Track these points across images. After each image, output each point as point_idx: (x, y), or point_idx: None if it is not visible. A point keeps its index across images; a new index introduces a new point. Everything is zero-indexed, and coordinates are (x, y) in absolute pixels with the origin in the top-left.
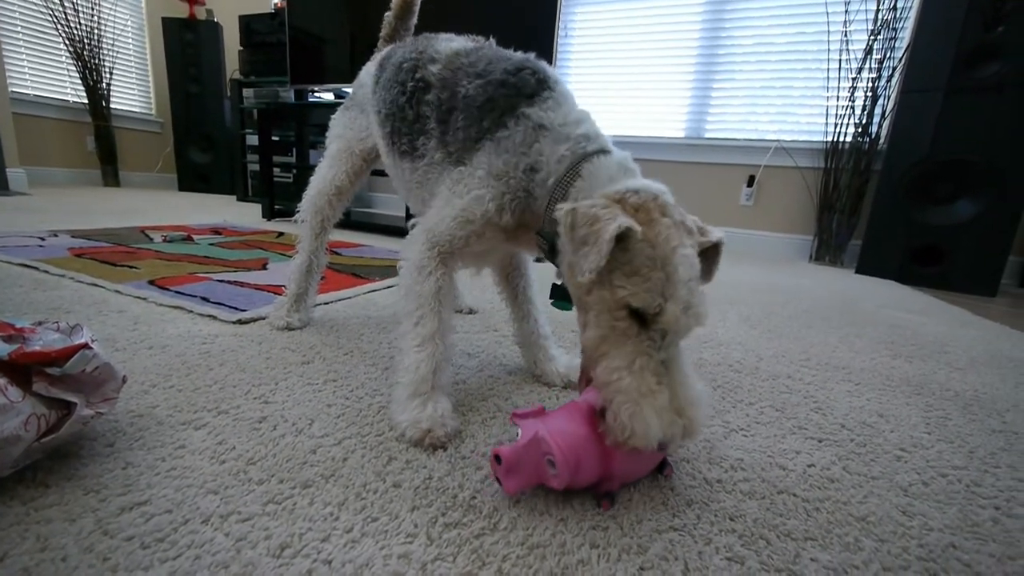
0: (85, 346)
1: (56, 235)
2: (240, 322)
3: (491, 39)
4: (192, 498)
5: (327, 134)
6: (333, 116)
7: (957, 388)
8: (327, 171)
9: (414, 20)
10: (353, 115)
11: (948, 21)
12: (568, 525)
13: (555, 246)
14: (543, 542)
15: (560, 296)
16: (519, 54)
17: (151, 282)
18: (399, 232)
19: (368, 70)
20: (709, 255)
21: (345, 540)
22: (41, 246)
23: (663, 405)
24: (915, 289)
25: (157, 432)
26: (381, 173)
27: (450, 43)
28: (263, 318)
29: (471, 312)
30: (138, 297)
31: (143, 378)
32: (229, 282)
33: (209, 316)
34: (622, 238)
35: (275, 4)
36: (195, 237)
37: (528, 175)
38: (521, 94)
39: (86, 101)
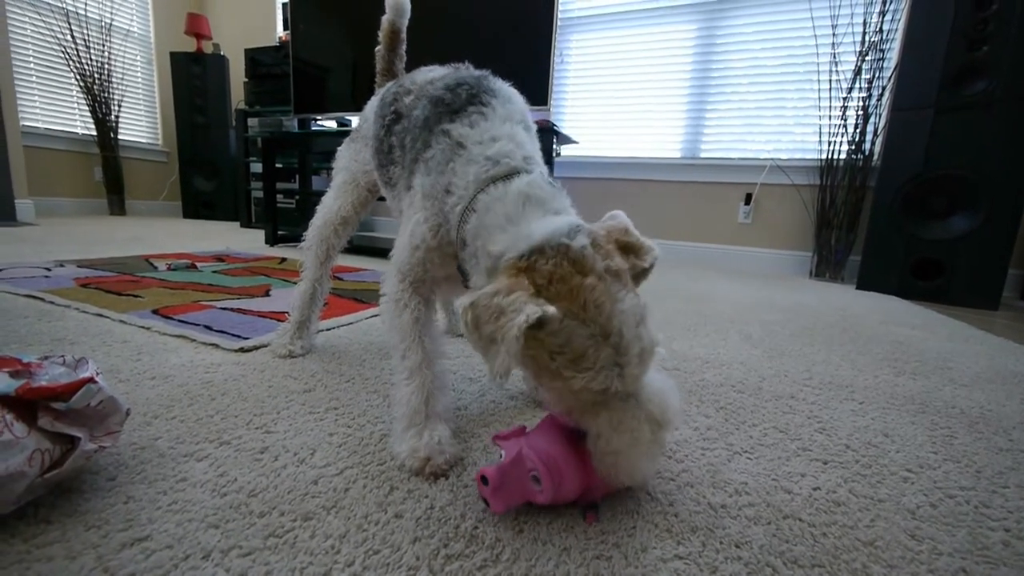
0: (91, 380)
1: (63, 265)
2: (243, 350)
3: (467, 64)
4: (193, 532)
5: (333, 165)
6: (339, 148)
7: (962, 405)
8: (333, 202)
9: (404, 48)
10: (358, 147)
11: (933, 41)
12: (571, 555)
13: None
14: (547, 573)
15: None
16: (481, 72)
17: (155, 311)
18: None
19: (371, 104)
20: (641, 274)
21: (347, 575)
22: (47, 276)
23: (649, 444)
24: (916, 304)
25: (159, 465)
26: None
27: (428, 73)
28: (265, 346)
29: None
30: (142, 327)
31: (145, 409)
32: (232, 310)
33: (212, 345)
34: (542, 323)
35: (280, 37)
36: (199, 265)
37: (444, 198)
38: (449, 110)
39: (95, 133)
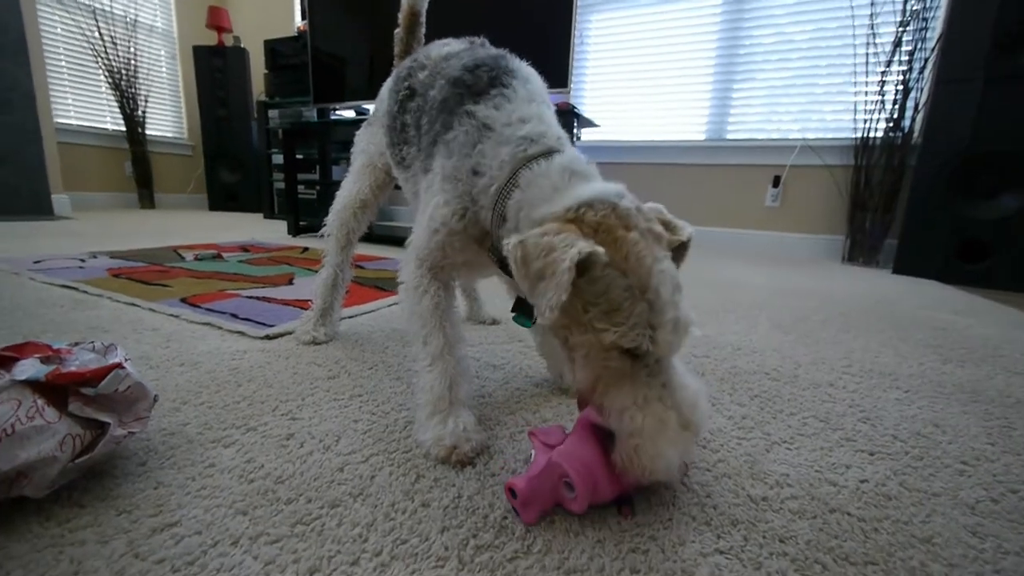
0: (119, 366)
1: (96, 256)
2: (268, 337)
3: (483, 39)
4: (221, 519)
5: (352, 149)
6: (357, 132)
7: (1018, 395)
8: (352, 185)
9: (423, 31)
10: (375, 130)
11: (983, 5)
12: (606, 547)
13: (505, 265)
14: (580, 566)
15: (524, 312)
16: (499, 51)
17: (183, 300)
18: None
19: (386, 85)
20: (677, 252)
21: (375, 564)
22: (81, 267)
23: (675, 431)
24: (958, 289)
25: (187, 451)
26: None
27: (442, 48)
28: (290, 333)
29: (493, 323)
30: (171, 315)
31: (174, 395)
32: (257, 298)
33: (238, 332)
34: (585, 266)
35: (298, 27)
36: (224, 255)
37: (471, 179)
38: (471, 92)
39: (124, 128)
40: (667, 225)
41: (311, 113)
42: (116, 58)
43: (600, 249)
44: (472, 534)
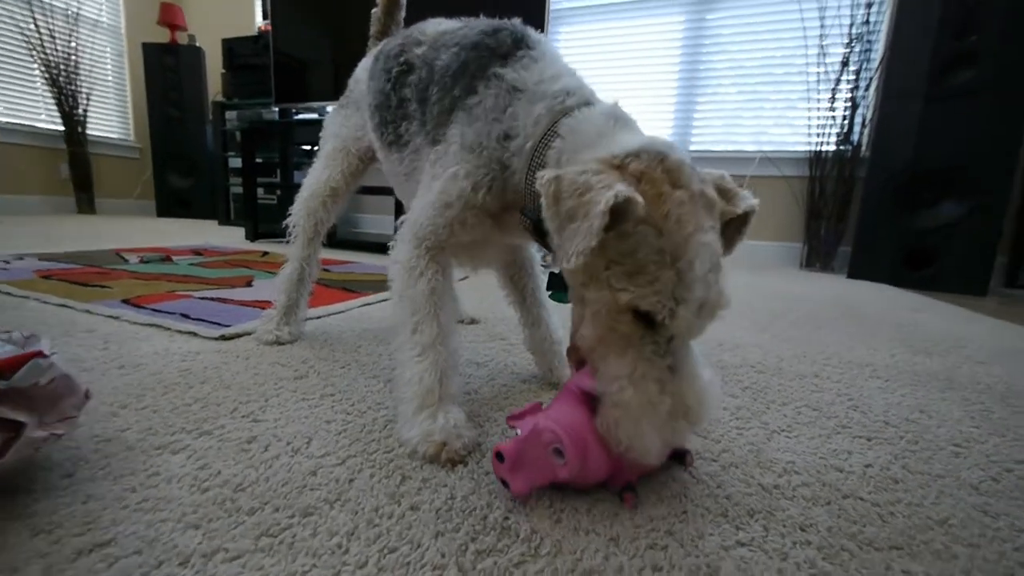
0: (38, 354)
1: (22, 258)
2: (224, 338)
3: (481, 17)
4: (168, 535)
5: (321, 134)
6: (327, 117)
7: (987, 381)
8: (321, 171)
9: (402, 14)
10: (349, 112)
11: (922, 31)
12: (621, 545)
13: (541, 226)
14: (596, 567)
15: (559, 286)
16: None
17: (125, 301)
18: (386, 250)
19: (363, 65)
20: (734, 224)
21: None
22: (5, 269)
23: (664, 418)
24: (909, 291)
25: (126, 459)
26: (368, 191)
27: (437, 25)
28: (249, 333)
29: (473, 322)
30: (110, 316)
31: (112, 399)
32: (211, 299)
33: (189, 333)
34: (620, 214)
35: (260, 28)
36: (174, 258)
37: (502, 144)
38: (495, 55)
39: (62, 128)
40: (724, 193)
41: (272, 115)
42: (55, 53)
43: (639, 198)
44: (471, 538)
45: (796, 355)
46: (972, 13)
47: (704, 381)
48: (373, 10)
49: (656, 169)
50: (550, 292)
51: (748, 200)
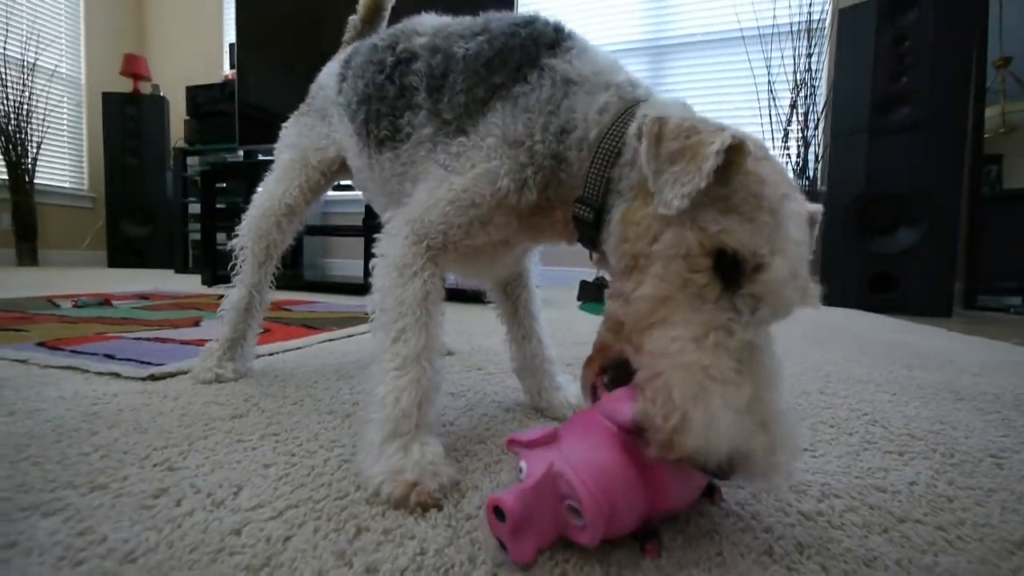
0: None
1: None
2: (153, 378)
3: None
4: None
5: (276, 145)
6: (283, 126)
7: (992, 391)
8: (275, 187)
9: (384, 24)
10: (310, 121)
11: (859, 74)
12: None
13: (600, 217)
14: None
15: (592, 296)
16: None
17: (40, 344)
18: (358, 289)
19: (330, 69)
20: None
21: None
22: None
23: (742, 404)
24: (880, 315)
25: None
26: (336, 232)
27: (433, 20)
28: (185, 372)
29: (449, 354)
30: (16, 360)
31: None
32: (148, 339)
33: (111, 374)
34: (727, 162)
35: (226, 76)
36: (115, 303)
37: (557, 139)
38: (541, 43)
39: (6, 176)
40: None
41: (236, 158)
42: (5, 101)
43: (750, 145)
44: None
45: (795, 373)
46: (902, 58)
47: (785, 406)
48: (351, 16)
49: (747, 140)
50: (580, 302)
51: (812, 206)
